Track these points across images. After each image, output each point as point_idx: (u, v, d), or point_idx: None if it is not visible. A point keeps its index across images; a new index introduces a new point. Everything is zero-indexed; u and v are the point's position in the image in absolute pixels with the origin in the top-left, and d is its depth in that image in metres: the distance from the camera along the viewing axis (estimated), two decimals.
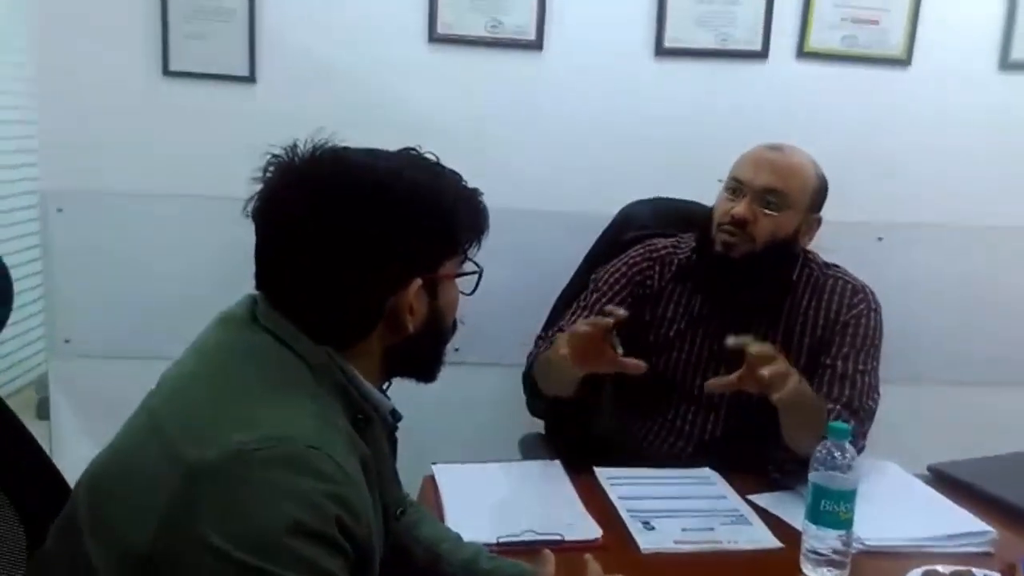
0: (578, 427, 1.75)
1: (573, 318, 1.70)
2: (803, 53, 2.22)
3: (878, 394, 1.56)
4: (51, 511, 0.90)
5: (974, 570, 1.13)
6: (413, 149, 0.97)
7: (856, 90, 2.24)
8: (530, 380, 1.67)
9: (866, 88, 2.24)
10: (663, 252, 1.72)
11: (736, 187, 1.58)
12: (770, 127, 2.12)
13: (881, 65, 2.23)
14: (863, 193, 2.26)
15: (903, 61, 2.23)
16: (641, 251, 1.73)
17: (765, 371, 1.29)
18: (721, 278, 1.60)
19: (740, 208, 1.54)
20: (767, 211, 1.55)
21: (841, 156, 2.22)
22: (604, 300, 1.68)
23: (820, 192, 1.62)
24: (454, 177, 0.97)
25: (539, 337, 1.80)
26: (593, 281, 1.76)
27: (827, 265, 1.67)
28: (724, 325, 1.61)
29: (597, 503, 1.40)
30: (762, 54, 2.21)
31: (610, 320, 1.35)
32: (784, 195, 1.55)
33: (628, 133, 2.21)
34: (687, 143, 2.17)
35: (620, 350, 1.38)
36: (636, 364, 1.38)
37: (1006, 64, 2.24)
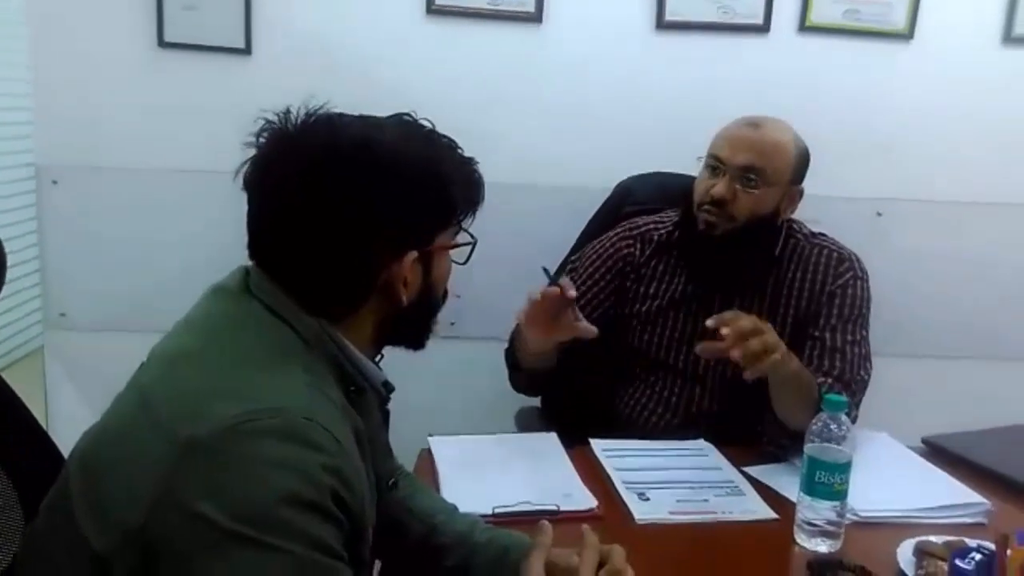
0: (571, 398, 1.76)
1: None
2: (805, 27, 2.20)
3: (870, 364, 1.57)
4: (48, 484, 0.90)
5: (967, 540, 1.14)
6: (408, 115, 0.96)
7: (858, 65, 2.22)
8: (511, 354, 1.68)
9: (868, 63, 2.22)
10: (643, 229, 1.72)
11: (715, 165, 1.56)
12: (771, 101, 2.10)
13: (883, 39, 2.21)
14: (863, 168, 2.26)
15: (905, 35, 2.21)
16: (621, 230, 1.73)
17: (735, 353, 1.29)
18: (704, 257, 1.60)
19: (719, 188, 1.53)
20: (747, 189, 1.53)
21: (842, 131, 2.23)
22: (580, 280, 1.69)
23: (801, 164, 1.60)
24: (450, 145, 0.95)
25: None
26: (576, 258, 1.76)
27: (813, 235, 1.66)
28: (708, 301, 1.61)
29: (593, 474, 1.41)
30: (764, 28, 2.19)
31: (556, 290, 1.37)
32: (763, 172, 1.53)
33: (627, 107, 2.20)
34: (687, 117, 2.14)
35: (581, 318, 1.40)
36: (587, 328, 1.40)
37: (1009, 39, 2.22)
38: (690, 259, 1.64)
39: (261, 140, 0.90)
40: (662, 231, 1.70)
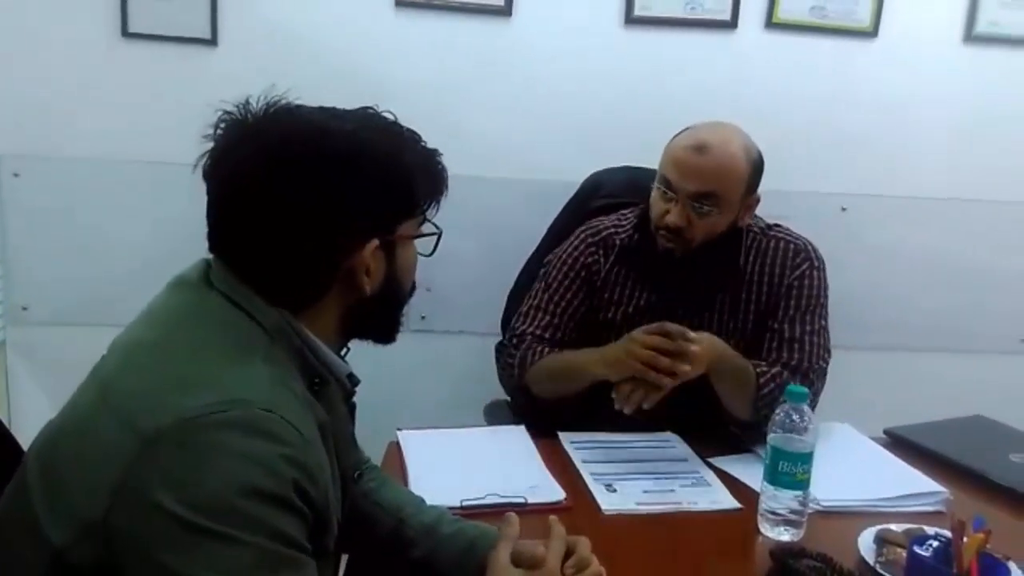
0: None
1: (531, 320, 1.69)
2: (772, 23, 2.22)
3: (828, 353, 1.59)
4: (8, 479, 0.89)
5: (926, 528, 1.16)
6: (371, 108, 0.95)
7: (823, 61, 2.25)
8: (520, 387, 1.66)
9: (833, 59, 2.25)
10: (604, 234, 1.71)
11: (667, 189, 1.55)
12: (738, 97, 2.14)
13: (849, 36, 2.24)
14: (828, 163, 2.29)
15: (870, 33, 2.24)
16: (584, 236, 1.72)
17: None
18: (666, 277, 1.61)
19: (673, 216, 1.52)
20: (701, 216, 1.52)
21: (807, 127, 2.26)
22: (557, 296, 1.68)
23: (755, 175, 1.57)
24: (412, 137, 0.95)
25: (504, 344, 1.76)
26: (543, 272, 1.74)
27: (768, 227, 1.67)
28: (672, 309, 1.61)
29: (561, 467, 1.42)
30: (731, 24, 2.21)
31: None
32: (716, 197, 1.52)
33: (596, 101, 2.21)
34: (655, 112, 2.16)
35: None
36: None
37: (970, 37, 2.26)
38: (652, 278, 1.64)
39: (219, 131, 0.89)
40: (622, 235, 1.69)
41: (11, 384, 2.19)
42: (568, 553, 0.99)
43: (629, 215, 1.73)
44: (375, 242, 0.90)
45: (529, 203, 2.12)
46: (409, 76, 2.12)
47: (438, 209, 0.99)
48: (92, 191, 2.13)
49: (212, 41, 2.09)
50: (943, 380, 2.30)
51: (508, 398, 1.88)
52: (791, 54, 2.23)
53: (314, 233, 0.87)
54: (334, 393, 0.95)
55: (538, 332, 1.68)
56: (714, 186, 1.51)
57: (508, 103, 2.19)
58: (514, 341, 1.70)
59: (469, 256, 2.19)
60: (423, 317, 2.22)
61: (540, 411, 1.63)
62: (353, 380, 0.98)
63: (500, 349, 1.78)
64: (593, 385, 1.67)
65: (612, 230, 1.71)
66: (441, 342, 2.23)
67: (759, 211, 1.69)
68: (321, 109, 0.92)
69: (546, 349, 1.66)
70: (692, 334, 1.42)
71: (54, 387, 2.15)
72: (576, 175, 2.01)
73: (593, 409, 1.70)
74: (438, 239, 1.00)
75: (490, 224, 2.19)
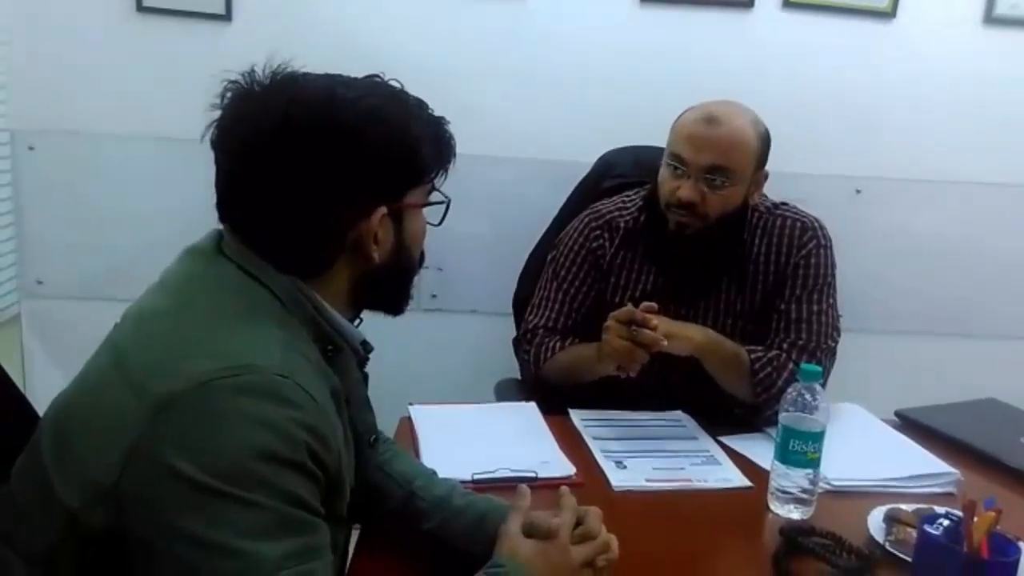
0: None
1: (541, 312, 1.69)
2: (788, 3, 2.21)
3: (838, 332, 1.58)
4: (23, 447, 0.90)
5: (936, 508, 1.16)
6: (377, 76, 0.95)
7: (840, 42, 2.23)
8: (538, 381, 1.68)
9: (850, 40, 2.23)
10: (608, 217, 1.70)
11: (676, 165, 1.54)
12: (753, 78, 2.12)
13: (866, 17, 2.22)
14: (843, 146, 2.28)
15: (888, 14, 2.22)
16: (588, 219, 1.71)
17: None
18: (676, 257, 1.60)
19: (686, 191, 1.51)
20: (714, 190, 1.52)
21: (823, 108, 2.24)
22: (566, 284, 1.68)
23: (764, 150, 1.56)
24: (418, 105, 0.94)
25: (518, 339, 1.76)
26: (550, 259, 1.73)
27: (775, 205, 1.66)
28: (679, 291, 1.61)
29: (571, 443, 1.42)
30: (748, 3, 2.19)
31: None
32: (729, 170, 1.51)
33: (611, 81, 2.20)
34: (670, 92, 2.13)
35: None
36: None
37: (990, 19, 2.24)
38: (661, 259, 1.63)
39: (225, 100, 0.89)
40: (627, 217, 1.68)
41: (27, 357, 2.21)
42: (578, 524, 0.99)
43: (633, 196, 1.72)
44: (383, 210, 0.90)
45: (541, 183, 2.12)
46: (422, 55, 2.11)
47: (446, 177, 0.98)
48: (107, 165, 2.14)
49: (227, 16, 2.09)
50: (956, 364, 2.30)
51: (519, 377, 1.89)
52: (808, 35, 2.22)
53: (319, 202, 0.87)
54: (348, 360, 0.95)
55: (549, 324, 1.68)
56: (727, 159, 1.51)
57: (522, 82, 2.19)
58: (527, 336, 1.70)
59: (481, 236, 2.19)
60: (434, 296, 2.23)
61: (558, 396, 1.63)
62: (367, 347, 0.99)
63: (516, 344, 1.79)
64: None
65: (616, 213, 1.70)
66: (452, 321, 2.24)
67: (771, 191, 1.68)
68: (327, 76, 0.92)
69: (557, 341, 1.66)
70: (655, 320, 1.42)
71: (69, 360, 2.14)
72: (589, 155, 2.00)
73: (605, 389, 1.71)
74: (446, 208, 0.99)
75: (502, 204, 2.19)
